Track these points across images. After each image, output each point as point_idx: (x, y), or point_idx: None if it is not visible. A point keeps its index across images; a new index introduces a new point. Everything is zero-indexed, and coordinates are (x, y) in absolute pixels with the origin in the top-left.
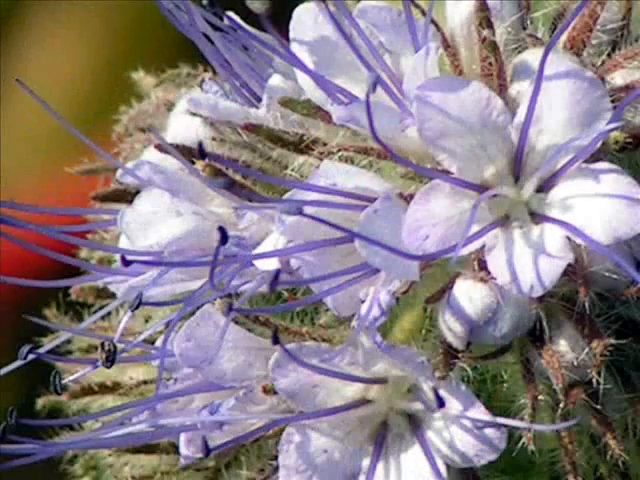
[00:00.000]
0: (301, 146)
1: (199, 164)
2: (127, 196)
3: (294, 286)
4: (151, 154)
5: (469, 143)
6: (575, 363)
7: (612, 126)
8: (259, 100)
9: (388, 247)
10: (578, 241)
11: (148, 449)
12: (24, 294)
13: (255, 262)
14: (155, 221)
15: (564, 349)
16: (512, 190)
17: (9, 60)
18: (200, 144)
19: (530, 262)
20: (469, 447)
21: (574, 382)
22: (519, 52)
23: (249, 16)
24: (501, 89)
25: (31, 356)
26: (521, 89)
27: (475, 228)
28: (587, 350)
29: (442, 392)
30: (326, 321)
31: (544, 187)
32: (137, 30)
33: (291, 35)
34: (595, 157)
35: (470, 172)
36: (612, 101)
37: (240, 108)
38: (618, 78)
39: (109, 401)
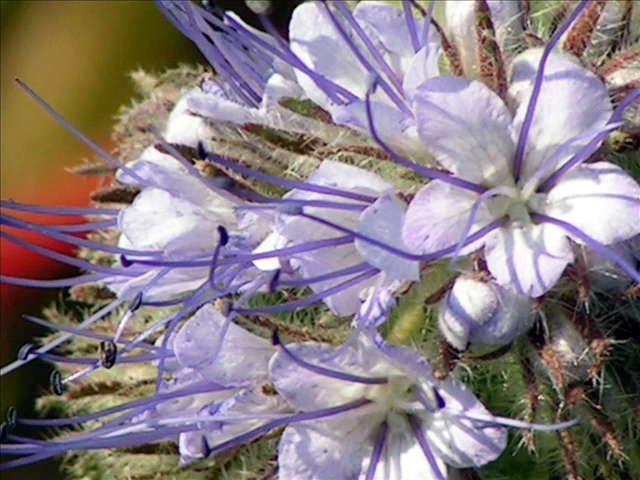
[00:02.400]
0: (301, 146)
1: (199, 164)
2: (127, 196)
3: (294, 286)
4: (151, 154)
5: (469, 143)
6: (575, 363)
7: (612, 126)
8: (259, 100)
9: (388, 247)
10: (578, 241)
11: (148, 449)
12: (24, 294)
13: (255, 262)
14: (155, 221)
15: (564, 349)
16: (512, 190)
17: (9, 60)
18: (200, 144)
19: (530, 262)
20: (469, 447)
21: (574, 382)
22: (519, 52)
23: (249, 16)
24: (501, 89)
25: (31, 356)
26: (521, 89)
27: (475, 228)
28: (587, 350)
29: (442, 392)
30: (326, 321)
31: (544, 187)
32: (137, 30)
33: (291, 35)
34: (595, 157)
35: (470, 172)
36: (612, 101)
37: (240, 108)
38: (618, 78)
39: (109, 401)
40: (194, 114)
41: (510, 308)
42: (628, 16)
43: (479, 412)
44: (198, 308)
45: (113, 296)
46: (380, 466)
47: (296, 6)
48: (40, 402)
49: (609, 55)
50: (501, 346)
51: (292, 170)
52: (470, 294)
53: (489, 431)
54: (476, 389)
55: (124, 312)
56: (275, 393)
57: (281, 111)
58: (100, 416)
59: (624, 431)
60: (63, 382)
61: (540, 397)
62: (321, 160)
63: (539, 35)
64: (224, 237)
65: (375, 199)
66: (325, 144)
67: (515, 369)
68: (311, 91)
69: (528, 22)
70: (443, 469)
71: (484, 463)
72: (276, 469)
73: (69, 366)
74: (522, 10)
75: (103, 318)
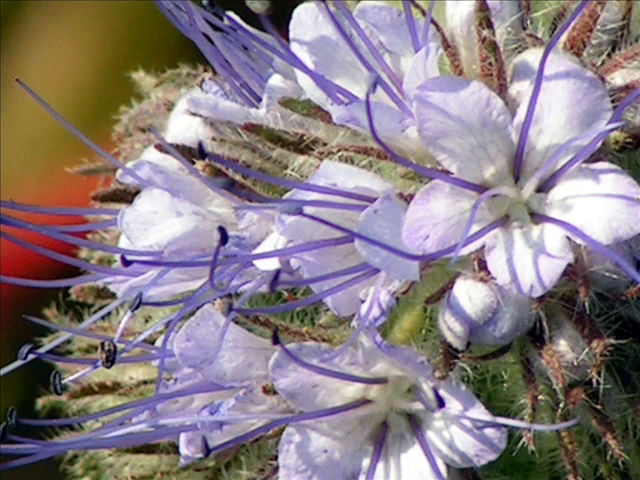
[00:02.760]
0: (301, 146)
1: (199, 164)
2: (127, 196)
3: (294, 286)
4: (151, 154)
5: (469, 143)
6: (575, 363)
7: (612, 126)
8: (259, 100)
9: (388, 247)
10: (578, 241)
11: (148, 449)
12: (24, 294)
13: (255, 262)
14: (155, 221)
15: (564, 349)
16: (512, 190)
17: (9, 60)
18: (200, 144)
19: (530, 262)
20: (469, 447)
21: (574, 382)
22: (519, 52)
23: (249, 16)
24: (501, 89)
25: (31, 356)
26: (521, 89)
27: (475, 228)
28: (587, 350)
29: (442, 392)
30: (326, 321)
31: (544, 187)
32: (137, 30)
33: (291, 35)
34: (595, 157)
35: (470, 172)
36: (612, 101)
37: (240, 108)
38: (618, 78)
39: (109, 401)
40: (194, 114)
41: (510, 308)
42: (628, 16)
43: (479, 412)
44: (198, 308)
45: (113, 296)
46: (380, 466)
47: (296, 6)
48: (40, 402)
49: (609, 55)
50: (501, 346)
51: (292, 170)
52: (470, 294)
53: (489, 431)
54: (476, 389)
55: (124, 312)
56: (275, 393)
57: (281, 111)
58: (100, 416)
59: (624, 431)
60: (63, 382)
61: (540, 397)
62: (321, 160)
63: (539, 35)
64: (224, 237)
65: (375, 199)
66: (325, 144)
67: (515, 369)
68: (311, 91)
69: (528, 22)
70: (443, 469)
71: (484, 463)
72: (276, 469)
73: (69, 366)
74: (522, 10)
75: (103, 318)
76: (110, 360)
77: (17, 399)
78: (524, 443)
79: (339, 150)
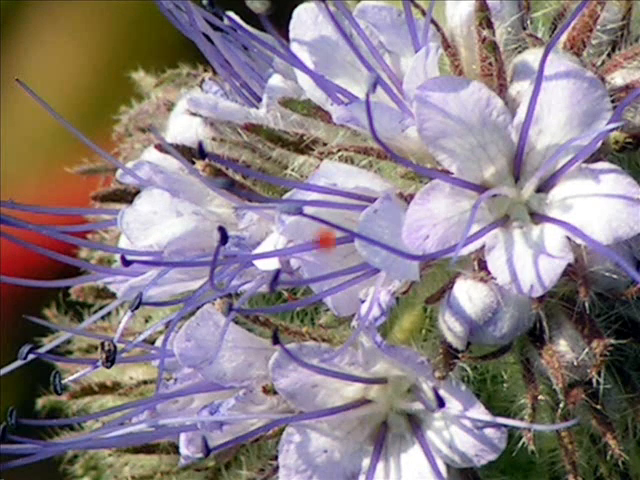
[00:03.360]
0: (301, 146)
1: (199, 164)
2: (127, 196)
3: (294, 286)
4: (151, 154)
5: (469, 143)
6: (575, 363)
7: (612, 126)
8: (259, 100)
9: (388, 247)
10: (578, 241)
11: (148, 449)
12: (24, 294)
13: (255, 262)
14: (155, 221)
15: (564, 349)
16: (512, 190)
17: (9, 60)
18: (200, 144)
19: (530, 262)
20: (469, 447)
21: (574, 382)
22: (519, 52)
23: (249, 16)
24: (501, 89)
25: (31, 356)
26: (521, 89)
27: (475, 228)
28: (587, 350)
29: (442, 392)
30: (326, 321)
31: (544, 187)
32: (137, 30)
33: (291, 35)
34: (595, 157)
35: (470, 172)
36: (612, 101)
37: (240, 108)
38: (618, 78)
39: (109, 401)
40: (194, 114)
41: (510, 308)
42: (628, 16)
43: (479, 412)
44: (198, 308)
45: (113, 296)
46: (380, 466)
47: (296, 6)
48: (40, 402)
49: (609, 55)
50: (501, 346)
51: (292, 170)
52: (470, 294)
53: (489, 431)
54: (476, 389)
55: (124, 312)
56: (275, 393)
57: (281, 111)
58: (100, 416)
59: (624, 431)
60: (63, 382)
61: (540, 397)
62: (321, 160)
63: (539, 35)
64: (224, 237)
65: (375, 199)
66: (325, 144)
67: (515, 369)
68: (311, 91)
69: (528, 22)
70: (443, 469)
71: (484, 463)
72: (276, 469)
73: (69, 366)
74: (522, 10)
75: (103, 318)
76: (110, 360)
77: (17, 399)
78: (524, 443)
79: (339, 150)
